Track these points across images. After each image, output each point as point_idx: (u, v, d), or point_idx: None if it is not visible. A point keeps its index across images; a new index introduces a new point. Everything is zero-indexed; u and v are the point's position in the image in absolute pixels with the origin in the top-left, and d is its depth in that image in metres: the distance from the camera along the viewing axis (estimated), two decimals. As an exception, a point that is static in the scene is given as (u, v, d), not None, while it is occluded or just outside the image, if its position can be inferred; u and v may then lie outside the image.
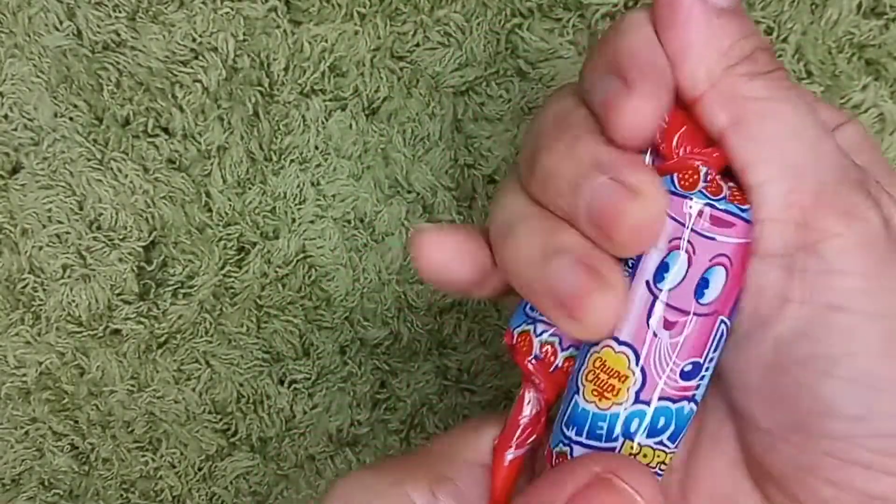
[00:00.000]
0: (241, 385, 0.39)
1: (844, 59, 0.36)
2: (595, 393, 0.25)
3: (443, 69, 0.37)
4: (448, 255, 0.26)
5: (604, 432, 0.25)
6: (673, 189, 0.24)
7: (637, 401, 0.24)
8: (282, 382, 0.39)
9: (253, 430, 0.39)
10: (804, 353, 0.22)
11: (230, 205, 0.38)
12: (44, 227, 0.38)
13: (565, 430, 0.25)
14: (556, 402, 0.27)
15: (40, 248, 0.38)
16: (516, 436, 0.27)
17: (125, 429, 0.39)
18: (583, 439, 0.25)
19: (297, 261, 0.38)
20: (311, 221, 0.38)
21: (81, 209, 0.38)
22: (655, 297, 0.24)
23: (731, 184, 0.24)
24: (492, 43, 0.37)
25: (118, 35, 0.37)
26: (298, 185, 0.38)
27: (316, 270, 0.38)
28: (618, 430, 0.25)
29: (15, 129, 0.38)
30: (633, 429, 0.25)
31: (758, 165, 0.23)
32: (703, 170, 0.24)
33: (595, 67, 0.24)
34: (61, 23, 0.37)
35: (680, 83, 0.23)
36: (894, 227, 0.22)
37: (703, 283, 0.24)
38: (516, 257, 0.25)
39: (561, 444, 0.25)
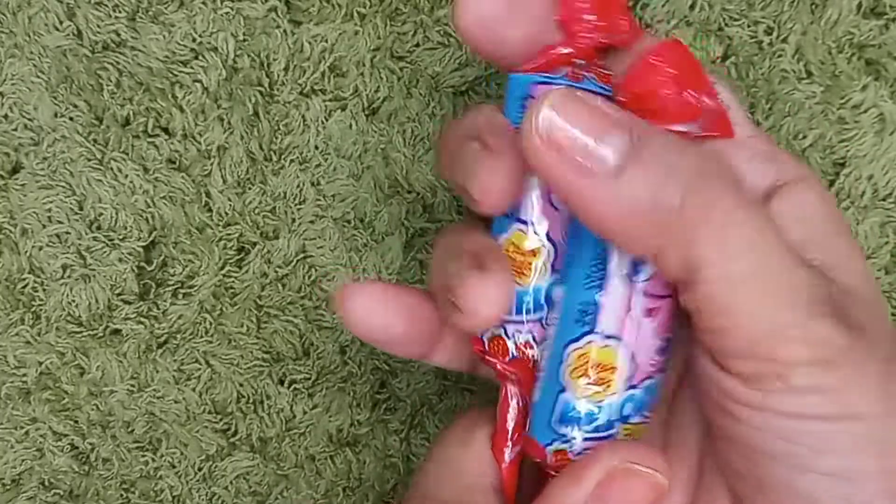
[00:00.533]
0: (241, 385, 0.39)
1: (844, 59, 0.36)
2: (588, 388, 0.25)
3: (443, 69, 0.37)
4: (377, 311, 0.27)
5: (602, 423, 0.25)
6: None
7: (629, 387, 0.25)
8: (282, 382, 0.39)
9: (253, 430, 0.39)
10: (779, 450, 0.23)
11: (230, 205, 0.38)
12: (44, 227, 0.38)
13: (559, 427, 0.25)
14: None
15: (40, 248, 0.38)
16: (510, 435, 0.27)
17: (125, 429, 0.39)
18: (583, 433, 0.25)
19: (297, 261, 0.38)
20: (311, 221, 0.38)
21: (81, 209, 0.38)
22: (633, 289, 0.25)
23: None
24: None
25: (118, 35, 0.37)
26: (298, 185, 0.38)
27: (316, 270, 0.38)
28: (615, 416, 0.25)
29: (15, 129, 0.38)
30: (626, 412, 0.25)
31: (716, 310, 0.22)
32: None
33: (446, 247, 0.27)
34: (61, 23, 0.37)
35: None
36: (855, 324, 0.22)
37: None
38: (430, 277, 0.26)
39: (557, 442, 0.26)
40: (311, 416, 0.39)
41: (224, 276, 0.38)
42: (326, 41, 0.37)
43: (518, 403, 0.27)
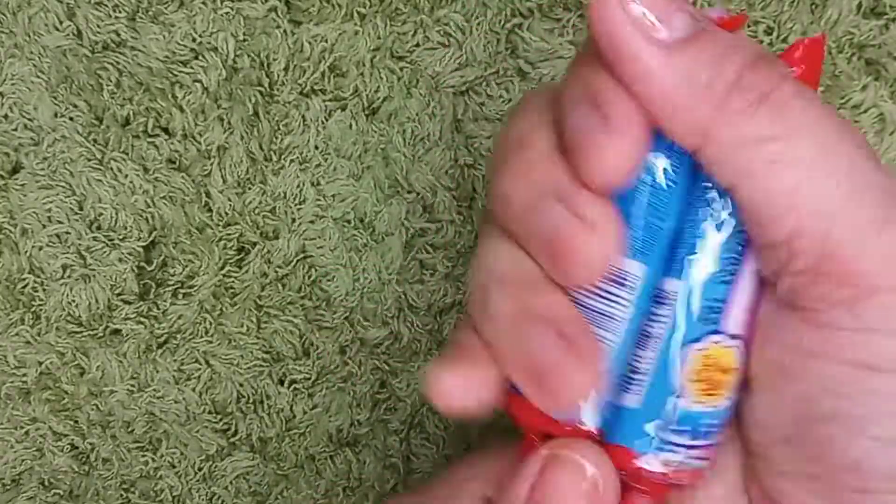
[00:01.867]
0: (241, 385, 0.39)
1: (844, 59, 0.36)
2: (706, 393, 0.23)
3: (443, 69, 0.37)
4: (463, 394, 0.23)
5: (714, 429, 0.23)
6: None
7: (735, 391, 0.23)
8: (282, 382, 0.39)
9: (253, 430, 0.39)
10: (831, 409, 0.20)
11: (230, 205, 0.38)
12: (44, 227, 0.38)
13: (676, 437, 0.23)
14: None
15: (40, 248, 0.38)
16: None
17: (125, 429, 0.39)
18: (694, 441, 0.23)
19: (297, 261, 0.38)
20: (311, 221, 0.38)
21: (81, 209, 0.38)
22: (756, 284, 0.22)
23: None
24: (492, 43, 0.37)
25: (118, 35, 0.37)
26: (298, 185, 0.38)
27: (316, 270, 0.38)
28: (725, 420, 0.23)
29: (15, 129, 0.38)
30: (728, 418, 0.23)
31: (780, 220, 0.20)
32: None
33: (572, 92, 0.21)
34: (61, 23, 0.37)
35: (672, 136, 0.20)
36: None
37: None
38: (494, 334, 0.22)
39: (664, 452, 0.23)
40: (311, 416, 0.39)
41: (224, 276, 0.38)
42: (326, 41, 0.37)
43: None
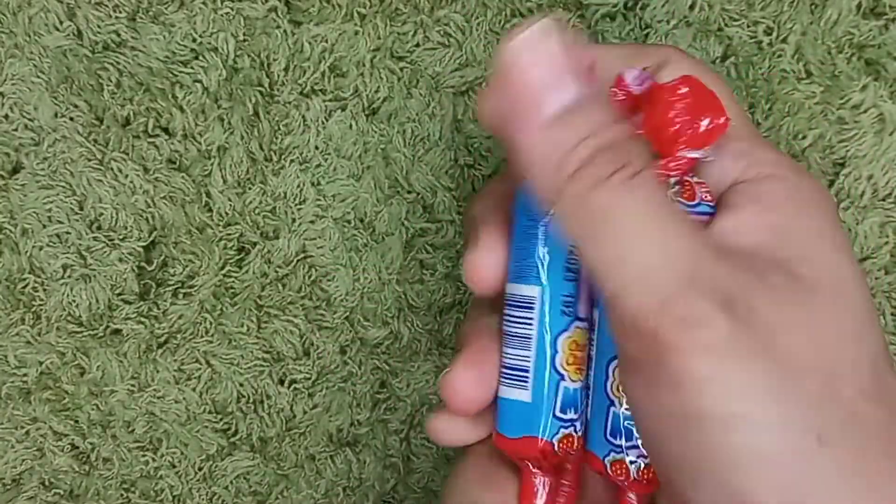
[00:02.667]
0: (241, 385, 0.39)
1: (844, 60, 0.36)
2: (577, 371, 0.27)
3: (443, 69, 0.37)
4: (476, 393, 0.28)
5: (582, 401, 0.28)
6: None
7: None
8: (282, 382, 0.39)
9: (253, 430, 0.39)
10: (670, 455, 0.22)
11: (230, 205, 0.38)
12: (44, 227, 0.38)
13: (613, 439, 0.26)
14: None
15: (40, 248, 0.38)
16: None
17: (125, 429, 0.39)
18: (632, 443, 0.26)
19: (297, 261, 0.38)
20: (311, 221, 0.38)
21: (82, 209, 0.38)
22: None
23: (699, 181, 0.25)
24: (492, 43, 0.37)
25: (118, 35, 0.37)
26: (298, 185, 0.38)
27: (316, 270, 0.38)
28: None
29: (15, 130, 0.38)
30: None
31: (607, 276, 0.22)
32: (672, 180, 0.25)
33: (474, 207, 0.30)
34: (61, 23, 0.37)
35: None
36: (756, 323, 0.21)
37: None
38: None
39: (613, 453, 0.27)
40: (311, 416, 0.39)
41: (224, 276, 0.38)
42: (326, 41, 0.37)
43: (544, 488, 0.28)
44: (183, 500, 0.39)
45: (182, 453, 0.39)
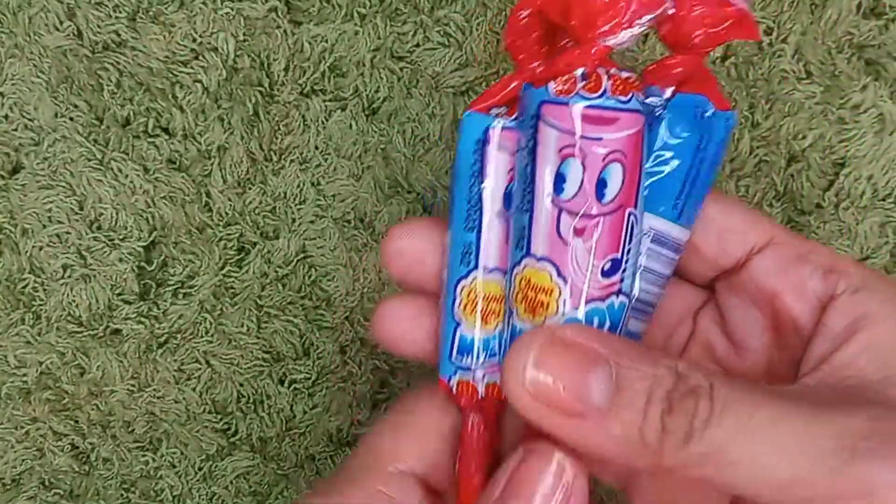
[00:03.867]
0: (241, 385, 0.39)
1: (844, 60, 0.36)
2: (528, 311, 0.25)
3: (443, 69, 0.37)
4: (404, 327, 0.28)
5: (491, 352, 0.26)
6: (550, 98, 0.24)
7: (567, 310, 0.25)
8: (282, 382, 0.39)
9: (253, 430, 0.39)
10: None
11: (230, 205, 0.38)
12: (44, 227, 0.38)
13: (460, 359, 0.26)
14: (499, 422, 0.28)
15: (40, 248, 0.38)
16: (474, 463, 0.27)
17: (125, 428, 0.39)
18: (480, 361, 0.26)
19: (297, 261, 0.38)
20: (311, 221, 0.38)
21: (82, 209, 0.38)
22: (560, 209, 0.24)
23: (613, 73, 0.24)
24: (492, 43, 0.37)
25: (118, 35, 0.37)
26: (298, 185, 0.38)
27: (316, 270, 0.38)
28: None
29: (15, 130, 0.38)
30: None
31: (757, 493, 0.22)
32: (580, 71, 0.24)
33: None
34: (61, 23, 0.37)
35: None
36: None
37: (602, 184, 0.24)
38: None
39: (460, 372, 0.28)
40: (311, 416, 0.39)
41: (224, 276, 0.38)
42: (326, 41, 0.37)
43: (480, 434, 0.28)
44: (183, 499, 0.39)
45: (182, 453, 0.39)
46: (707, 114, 0.26)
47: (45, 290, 0.38)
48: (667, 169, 0.26)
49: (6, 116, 0.38)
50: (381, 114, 0.38)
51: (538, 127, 0.24)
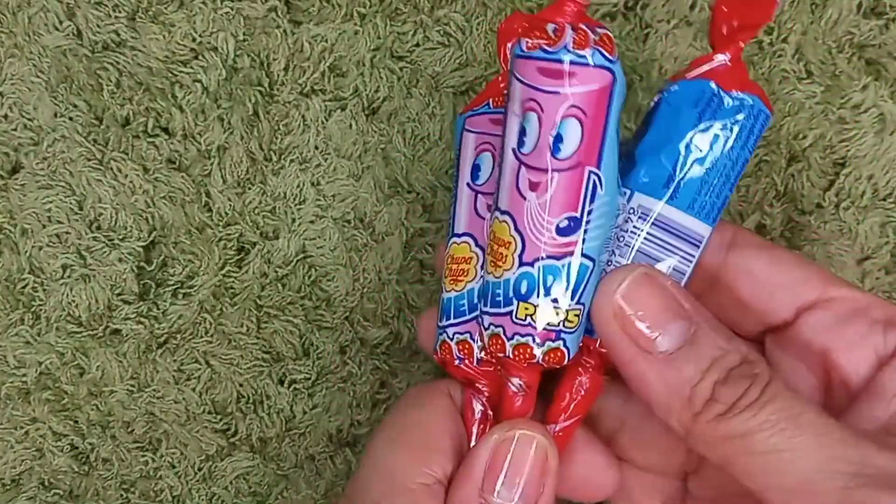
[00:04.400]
0: (241, 385, 0.39)
1: (844, 59, 0.36)
2: (492, 264, 0.26)
3: (443, 69, 0.37)
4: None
5: (501, 299, 0.26)
6: (520, 53, 0.24)
7: (522, 264, 0.25)
8: (282, 382, 0.39)
9: (253, 430, 0.39)
10: None
11: (230, 205, 0.38)
12: (43, 227, 0.38)
13: (480, 304, 0.27)
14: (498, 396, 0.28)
15: (40, 248, 0.38)
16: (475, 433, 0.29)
17: (125, 429, 0.39)
18: (487, 308, 0.26)
19: (297, 261, 0.38)
20: (311, 221, 0.38)
21: (81, 209, 0.38)
22: (521, 162, 0.24)
23: (579, 28, 0.24)
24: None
25: (118, 35, 0.37)
26: (298, 185, 0.38)
27: (316, 270, 0.38)
28: (511, 293, 0.25)
29: (15, 129, 0.38)
30: (523, 291, 0.25)
31: (766, 488, 0.23)
32: (550, 27, 0.24)
33: None
34: (61, 23, 0.37)
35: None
36: None
37: (558, 139, 0.24)
38: None
39: (442, 336, 0.29)
40: (311, 416, 0.39)
41: (224, 276, 0.38)
42: (326, 41, 0.37)
43: (481, 406, 0.29)
44: (182, 500, 0.39)
45: (182, 454, 0.39)
46: (715, 96, 0.26)
47: (44, 290, 0.38)
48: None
49: (6, 116, 0.38)
50: (380, 114, 0.37)
51: (511, 81, 0.25)
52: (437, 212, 0.38)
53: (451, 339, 0.28)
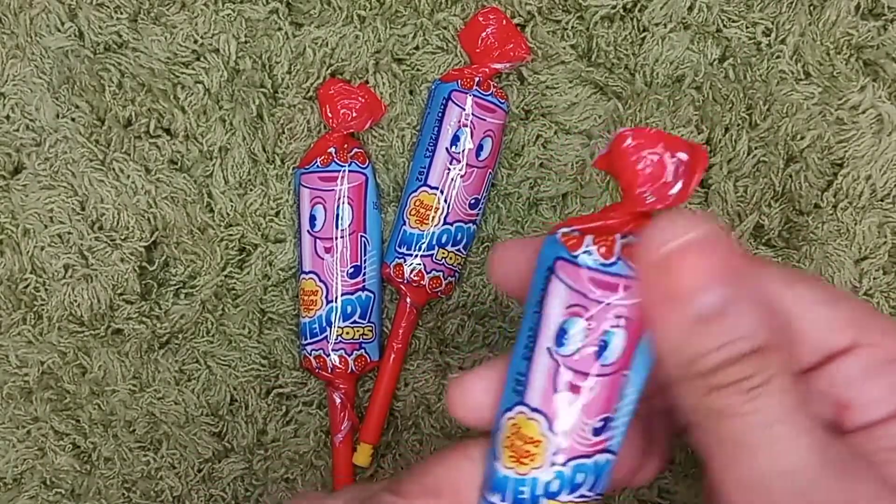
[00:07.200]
0: (234, 389, 0.39)
1: (843, 60, 0.37)
2: (513, 459, 0.25)
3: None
4: (480, 401, 0.27)
5: (527, 497, 0.25)
6: (566, 256, 0.24)
7: (554, 463, 0.25)
8: (278, 388, 0.39)
9: (248, 433, 0.39)
10: None
11: (232, 206, 0.38)
12: (45, 227, 0.38)
13: (489, 495, 0.25)
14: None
15: (42, 248, 0.38)
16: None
17: (126, 428, 0.39)
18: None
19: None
20: (312, 222, 0.38)
21: (83, 209, 0.38)
22: (558, 364, 0.24)
23: (627, 241, 0.24)
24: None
25: (120, 36, 0.37)
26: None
27: (316, 270, 0.38)
28: (539, 491, 0.25)
29: (17, 130, 0.38)
30: (553, 489, 0.25)
31: (720, 463, 0.23)
32: (590, 236, 0.24)
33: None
34: (63, 24, 0.37)
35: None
36: None
37: (603, 346, 0.24)
38: None
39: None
40: (307, 421, 0.39)
41: (226, 276, 0.38)
42: (328, 45, 0.37)
43: (341, 403, 0.37)
44: (182, 500, 0.39)
45: (181, 455, 0.39)
46: None
47: (46, 289, 0.38)
48: None
49: (8, 117, 0.38)
50: (381, 120, 0.38)
51: (549, 279, 0.24)
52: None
53: (311, 355, 0.37)
